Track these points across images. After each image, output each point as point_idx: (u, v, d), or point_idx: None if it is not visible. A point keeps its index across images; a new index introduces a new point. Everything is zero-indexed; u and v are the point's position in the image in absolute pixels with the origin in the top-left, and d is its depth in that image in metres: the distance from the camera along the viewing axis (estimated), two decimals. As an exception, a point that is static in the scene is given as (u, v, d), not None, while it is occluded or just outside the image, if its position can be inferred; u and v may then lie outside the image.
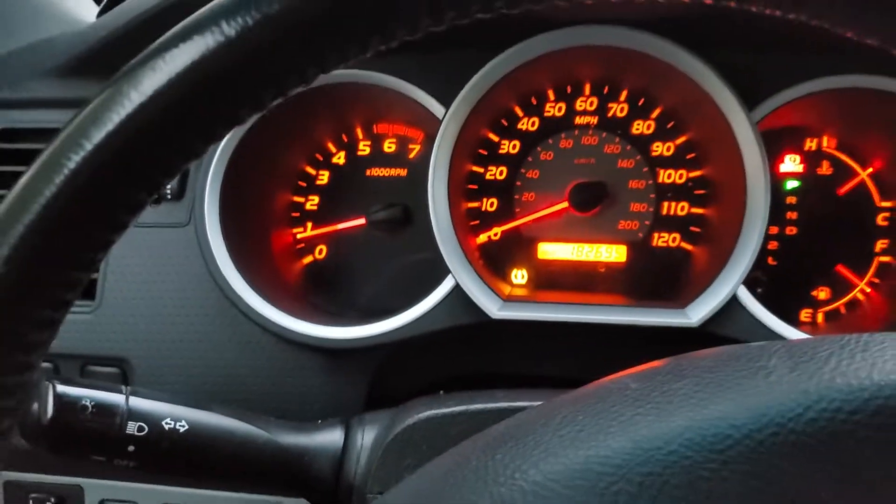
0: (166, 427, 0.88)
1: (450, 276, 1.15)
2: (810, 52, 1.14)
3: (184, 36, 0.44)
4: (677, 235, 1.30)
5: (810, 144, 1.31)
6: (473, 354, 1.26)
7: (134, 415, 0.87)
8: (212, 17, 0.44)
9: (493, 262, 1.34)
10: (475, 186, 1.34)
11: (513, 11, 0.45)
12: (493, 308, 1.14)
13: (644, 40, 1.14)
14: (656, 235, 1.31)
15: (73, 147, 0.43)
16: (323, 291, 1.35)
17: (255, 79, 0.44)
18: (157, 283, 1.20)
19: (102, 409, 0.86)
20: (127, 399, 0.88)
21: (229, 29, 0.43)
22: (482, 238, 1.35)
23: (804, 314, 1.30)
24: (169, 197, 1.22)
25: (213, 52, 0.43)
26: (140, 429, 0.87)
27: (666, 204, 1.31)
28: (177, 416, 0.90)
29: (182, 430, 0.89)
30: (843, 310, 1.30)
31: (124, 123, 0.43)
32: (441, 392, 1.00)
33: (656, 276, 1.30)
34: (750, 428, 0.49)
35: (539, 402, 0.89)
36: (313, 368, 1.17)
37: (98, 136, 0.43)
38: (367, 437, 0.94)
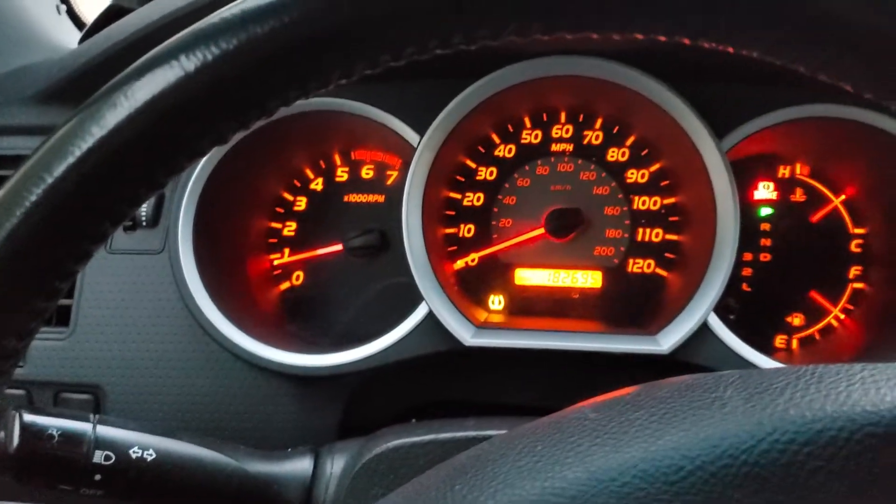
0: (133, 456, 0.88)
1: (423, 303, 1.15)
2: (780, 83, 1.15)
3: (144, 69, 0.44)
4: (652, 261, 1.31)
5: (783, 172, 1.32)
6: (448, 381, 1.25)
7: (101, 443, 0.86)
8: (172, 51, 0.44)
9: (470, 288, 1.34)
10: (452, 212, 1.35)
11: (470, 47, 0.45)
12: (466, 335, 1.14)
13: (616, 71, 1.16)
14: (631, 261, 1.32)
15: (34, 179, 0.43)
16: (299, 318, 1.34)
17: (215, 112, 0.44)
18: (131, 310, 1.19)
19: (69, 437, 0.85)
20: (94, 428, 0.87)
21: (188, 63, 0.43)
22: (459, 264, 1.35)
23: (779, 340, 1.31)
24: (144, 224, 1.22)
25: (172, 86, 0.43)
26: (107, 458, 0.86)
27: (641, 230, 1.32)
28: (144, 444, 0.89)
29: (150, 458, 0.88)
30: (817, 336, 1.31)
31: (85, 156, 0.43)
32: (413, 420, 1.00)
33: (631, 303, 1.31)
34: (703, 459, 0.49)
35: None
36: (286, 396, 1.17)
37: (60, 167, 0.43)
38: (336, 465, 0.94)
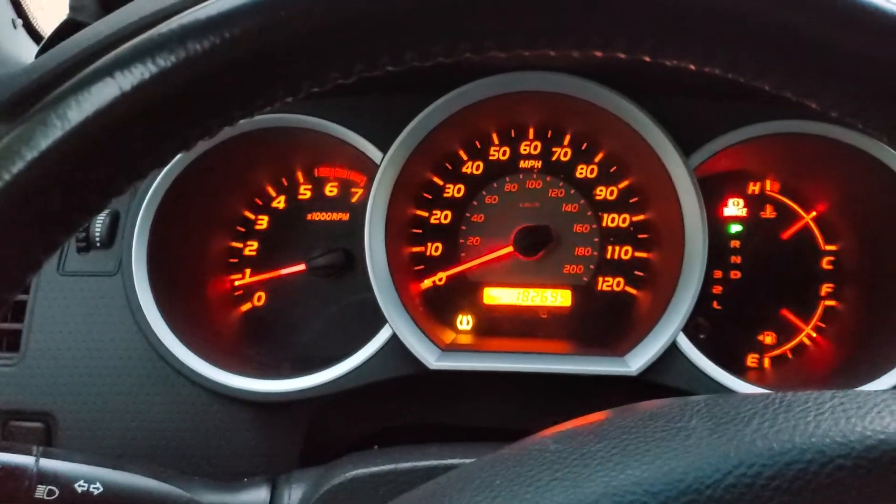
0: (79, 490, 0.83)
1: (387, 325, 1.11)
2: (748, 98, 1.14)
3: (79, 88, 0.42)
4: (622, 280, 1.29)
5: (753, 188, 1.31)
6: (415, 404, 1.22)
7: (44, 478, 0.82)
8: (106, 69, 0.42)
9: (438, 309, 1.31)
10: (419, 231, 1.32)
11: (425, 64, 0.43)
12: (431, 358, 1.10)
13: (584, 87, 1.14)
14: (601, 279, 1.30)
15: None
16: (259, 341, 1.30)
17: (151, 132, 0.42)
18: (84, 335, 1.15)
19: (10, 472, 0.81)
20: (37, 461, 0.83)
21: (124, 82, 0.40)
22: (426, 283, 1.32)
23: (750, 359, 1.29)
24: (98, 244, 1.17)
25: (107, 105, 0.41)
26: (50, 493, 0.82)
27: (610, 248, 1.30)
28: (91, 477, 0.85)
29: (96, 492, 0.84)
30: (789, 355, 1.29)
31: (22, 172, 0.40)
32: (375, 447, 0.96)
33: (601, 322, 1.28)
34: (666, 495, 0.47)
35: (471, 459, 0.86)
36: (245, 423, 1.13)
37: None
38: (294, 496, 0.90)
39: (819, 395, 0.56)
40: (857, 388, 1.04)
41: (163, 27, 0.42)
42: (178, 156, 1.15)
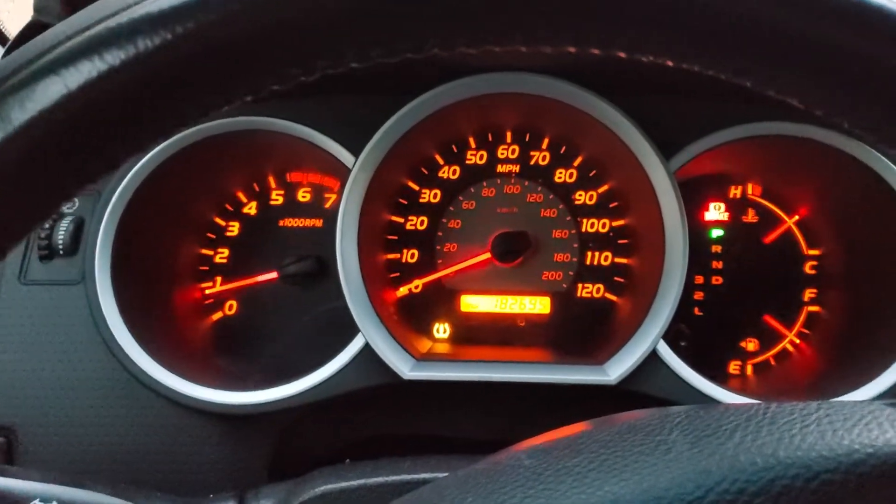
0: (34, 509, 0.80)
1: (360, 334, 1.08)
2: (730, 100, 1.12)
3: (22, 87, 0.39)
4: (601, 286, 1.26)
5: (735, 192, 1.29)
6: (390, 415, 1.19)
7: (-3, 496, 0.78)
8: (49, 67, 0.39)
9: (414, 316, 1.28)
10: (395, 237, 1.29)
11: (391, 60, 0.41)
12: (405, 368, 1.07)
13: (561, 88, 1.11)
14: (580, 286, 1.27)
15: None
16: (229, 351, 1.26)
17: (98, 135, 0.40)
18: (47, 346, 1.11)
19: (-41, 491, 0.77)
20: (-11, 479, 0.79)
21: (70, 80, 0.38)
22: (402, 291, 1.29)
23: (733, 366, 1.27)
24: (61, 252, 1.13)
25: (53, 106, 0.38)
26: (3, 512, 0.78)
27: (590, 254, 1.27)
28: (48, 495, 0.81)
29: (52, 511, 0.80)
30: (772, 361, 1.27)
31: None
32: (347, 460, 0.93)
33: (580, 329, 1.26)
34: (646, 514, 0.44)
35: (444, 473, 0.83)
36: (212, 436, 1.09)
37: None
38: (261, 513, 0.87)
39: (804, 406, 0.54)
40: (844, 398, 1.02)
41: (111, 22, 0.40)
42: (144, 159, 1.12)
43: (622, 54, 0.42)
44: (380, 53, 0.41)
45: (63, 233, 1.13)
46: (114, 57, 0.38)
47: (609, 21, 0.40)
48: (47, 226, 1.13)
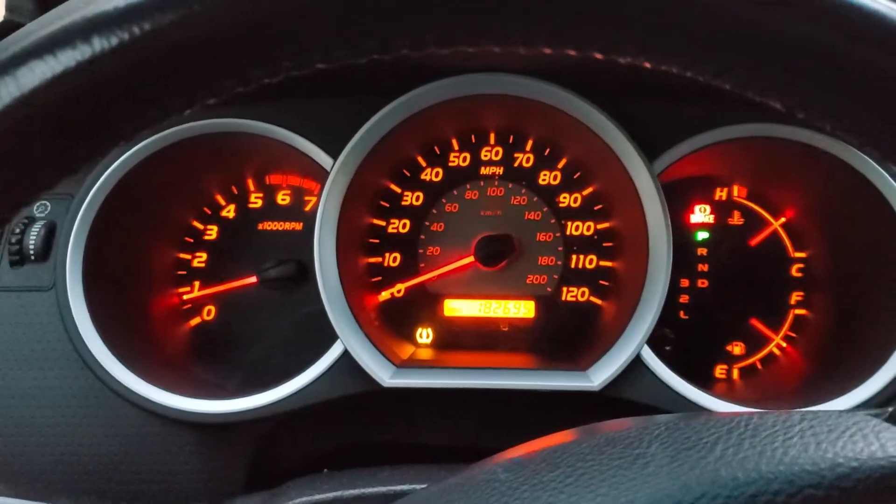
0: (-3, 524, 0.77)
1: (338, 341, 1.06)
2: (714, 102, 1.10)
3: None
4: (586, 290, 1.24)
5: (720, 194, 1.27)
6: (370, 422, 1.16)
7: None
8: (4, 67, 0.38)
9: (396, 322, 1.26)
10: (376, 240, 1.27)
11: (358, 61, 0.40)
12: (385, 376, 1.05)
13: (544, 90, 1.09)
14: (565, 290, 1.25)
15: None
16: (208, 357, 1.24)
17: (53, 138, 0.39)
18: (17, 354, 1.08)
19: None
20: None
21: (24, 81, 0.37)
22: (384, 295, 1.27)
23: (719, 370, 1.25)
24: (32, 258, 1.10)
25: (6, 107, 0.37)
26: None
27: (574, 257, 1.25)
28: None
29: (16, 526, 0.78)
30: (759, 365, 1.25)
31: None
32: (325, 470, 0.91)
33: (564, 334, 1.24)
34: (622, 534, 0.42)
35: (423, 484, 0.81)
36: (187, 445, 1.07)
37: None
38: (234, 525, 0.84)
39: (787, 417, 0.52)
40: (831, 403, 1.00)
41: (67, 21, 0.38)
42: (118, 162, 1.09)
43: (599, 55, 0.41)
44: (345, 54, 0.40)
45: (34, 238, 1.10)
46: (68, 58, 0.37)
47: (584, 21, 0.39)
48: (18, 231, 1.10)
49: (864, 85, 0.40)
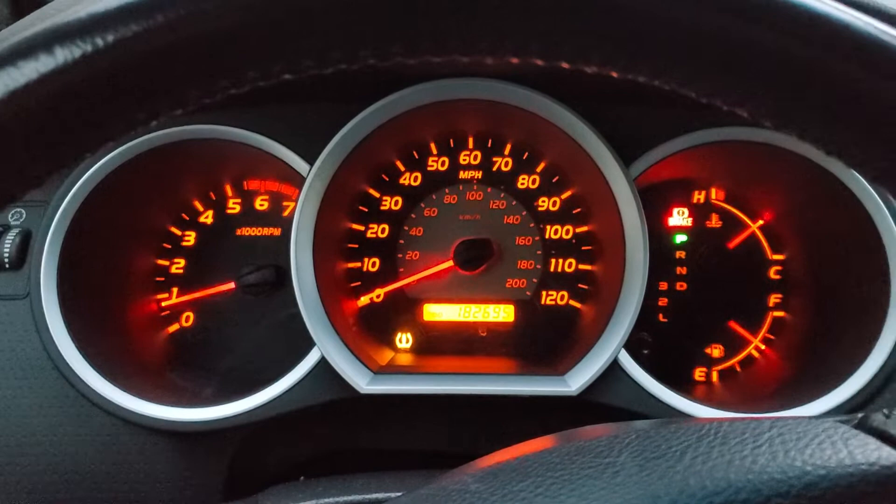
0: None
1: (315, 347, 1.05)
2: (690, 106, 1.10)
3: None
4: (566, 293, 1.25)
5: (698, 197, 1.28)
6: (349, 429, 1.16)
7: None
8: None
9: (376, 326, 1.26)
10: (355, 245, 1.26)
11: (323, 71, 0.40)
12: (362, 382, 1.04)
13: (521, 95, 1.09)
14: (545, 293, 1.25)
15: None
16: (186, 364, 1.23)
17: (18, 147, 0.38)
18: (-9, 361, 1.07)
19: None
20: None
21: None
22: (363, 300, 1.26)
23: (698, 373, 1.25)
24: (7, 265, 1.09)
25: None
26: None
27: (554, 261, 1.25)
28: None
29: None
30: (737, 368, 1.25)
31: None
32: (301, 478, 0.90)
33: (544, 338, 1.24)
34: (590, 546, 0.42)
35: (398, 492, 0.81)
36: (163, 453, 1.06)
37: None
38: (210, 534, 0.84)
39: (757, 424, 0.53)
40: (809, 406, 1.01)
41: (34, 30, 0.38)
42: (93, 169, 1.08)
43: (566, 65, 0.40)
44: (311, 65, 0.40)
45: (9, 246, 1.09)
46: (30, 68, 0.36)
47: (550, 32, 0.39)
48: (-7, 239, 1.09)
49: (828, 94, 0.40)
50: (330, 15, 0.38)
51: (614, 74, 0.39)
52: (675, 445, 0.51)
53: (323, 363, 1.05)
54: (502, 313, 1.26)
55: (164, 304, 1.27)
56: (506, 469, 0.53)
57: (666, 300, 1.25)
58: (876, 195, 1.03)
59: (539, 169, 1.26)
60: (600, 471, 0.50)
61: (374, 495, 0.79)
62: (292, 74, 0.40)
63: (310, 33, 0.38)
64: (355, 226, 1.26)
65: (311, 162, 1.09)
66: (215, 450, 1.07)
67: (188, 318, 1.27)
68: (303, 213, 1.08)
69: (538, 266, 1.26)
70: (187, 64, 0.38)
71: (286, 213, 1.28)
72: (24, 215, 1.12)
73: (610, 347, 1.03)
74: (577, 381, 1.03)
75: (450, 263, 1.25)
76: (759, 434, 0.50)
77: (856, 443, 0.48)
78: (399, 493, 0.77)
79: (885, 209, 1.03)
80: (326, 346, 1.04)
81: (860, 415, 0.51)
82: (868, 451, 0.46)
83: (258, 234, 1.27)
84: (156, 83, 0.38)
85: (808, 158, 1.09)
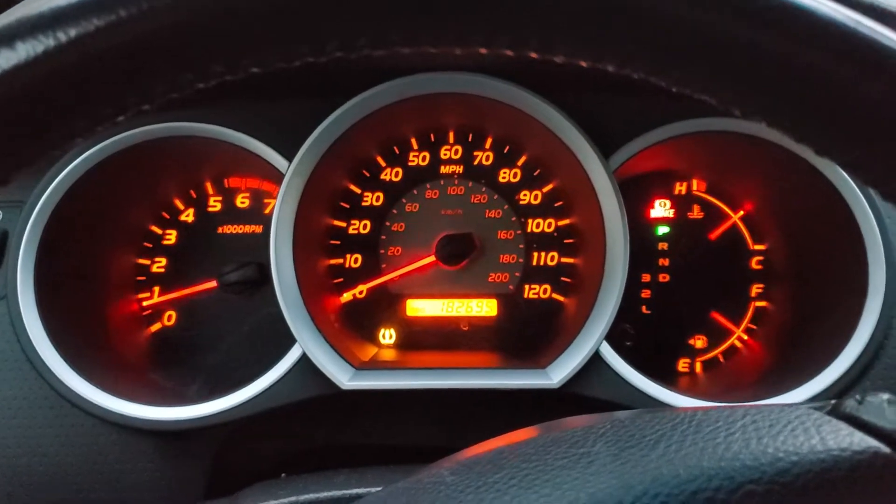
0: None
1: (296, 344, 1.05)
2: (670, 96, 1.10)
3: None
4: (548, 287, 1.25)
5: (680, 188, 1.28)
6: (332, 425, 1.16)
7: None
8: None
9: (359, 323, 1.26)
10: (337, 242, 1.26)
11: (289, 65, 0.40)
12: (344, 378, 1.04)
13: (500, 88, 1.08)
14: (527, 287, 1.25)
15: None
16: (169, 364, 1.22)
17: None
18: (-31, 363, 1.06)
19: None
20: None
21: None
22: (346, 297, 1.26)
23: (681, 364, 1.26)
24: (-16, 266, 1.08)
25: None
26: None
27: (536, 254, 1.25)
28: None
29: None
30: (721, 358, 1.26)
31: None
32: (283, 475, 0.90)
33: (527, 332, 1.24)
34: (563, 533, 0.42)
35: (379, 487, 0.81)
36: (145, 453, 1.05)
37: None
38: (190, 534, 0.83)
39: (731, 412, 0.53)
40: (790, 395, 1.01)
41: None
42: (69, 167, 1.07)
43: (534, 55, 0.40)
44: (279, 58, 0.39)
45: (-15, 245, 1.08)
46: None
47: (514, 22, 0.38)
48: (-31, 240, 1.08)
49: (789, 81, 0.40)
50: (296, 8, 0.38)
51: (583, 64, 0.39)
52: (649, 434, 0.51)
53: (304, 360, 1.04)
54: (485, 307, 1.25)
55: (145, 303, 1.26)
56: (481, 461, 0.53)
57: (648, 292, 1.25)
58: (853, 183, 1.04)
59: (520, 163, 1.26)
60: (574, 461, 0.50)
61: (355, 490, 0.79)
62: (260, 69, 0.40)
63: (276, 27, 0.38)
64: (337, 222, 1.26)
65: (289, 158, 1.08)
66: (197, 449, 1.07)
67: (170, 318, 1.26)
68: (282, 209, 1.07)
69: (520, 260, 1.26)
70: (151, 58, 0.37)
71: (267, 211, 1.27)
72: (1, 215, 1.11)
73: (591, 340, 1.03)
74: (558, 373, 1.03)
75: (432, 259, 1.25)
76: (732, 422, 0.50)
77: (828, 429, 0.48)
78: (379, 489, 0.77)
79: (861, 197, 1.03)
80: (307, 343, 1.04)
81: (833, 401, 0.51)
82: (840, 437, 0.47)
83: (240, 231, 1.27)
84: (120, 77, 0.38)
85: (788, 148, 1.09)
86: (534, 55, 0.40)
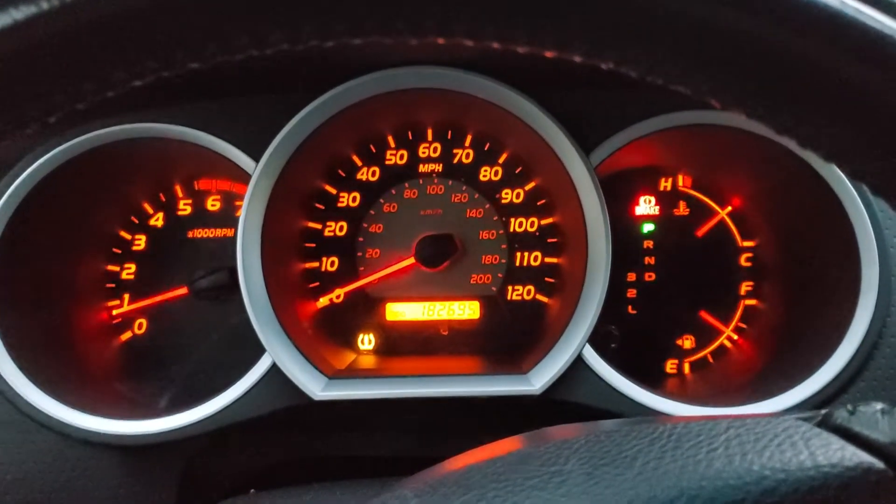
0: None
1: (266, 353, 1.00)
2: (652, 91, 1.06)
3: None
4: (532, 287, 1.21)
5: (665, 184, 1.24)
6: (305, 436, 1.11)
7: None
8: None
9: (337, 328, 1.21)
10: (313, 244, 1.22)
11: (231, 58, 0.37)
12: (316, 388, 1.00)
13: (479, 84, 1.04)
14: (510, 288, 1.21)
15: None
16: (139, 374, 1.17)
17: None
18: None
19: None
20: None
21: None
22: (323, 301, 1.22)
23: (670, 365, 1.22)
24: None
25: None
26: None
27: (519, 254, 1.21)
28: None
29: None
30: (710, 359, 1.22)
31: None
32: (252, 490, 0.86)
33: (510, 335, 1.20)
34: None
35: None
36: (110, 468, 1.01)
37: None
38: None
39: (713, 425, 0.49)
40: (781, 398, 0.97)
41: None
42: (28, 171, 1.03)
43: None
44: (217, 51, 0.36)
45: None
46: None
47: (498, 13, 0.36)
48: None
49: (770, 72, 0.37)
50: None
51: (548, 55, 0.36)
52: (625, 450, 0.47)
53: (274, 370, 1.00)
54: (468, 310, 1.22)
55: (115, 311, 1.22)
56: (447, 482, 0.50)
57: (634, 291, 1.21)
58: (843, 177, 1.00)
59: (501, 160, 1.22)
60: (546, 480, 0.46)
61: (322, 509, 0.75)
62: (200, 64, 0.37)
63: (208, 18, 0.35)
64: (312, 224, 1.22)
65: (256, 158, 1.04)
66: (165, 463, 1.02)
67: (141, 326, 1.22)
68: (249, 213, 1.03)
69: (503, 260, 1.22)
70: (107, 44, 0.35)
71: (238, 213, 1.22)
72: None
73: (574, 343, 0.99)
74: (540, 379, 0.99)
75: (412, 261, 1.21)
76: (714, 436, 0.46)
77: (817, 442, 0.44)
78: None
79: (852, 191, 0.99)
80: (277, 352, 1.00)
81: (823, 412, 0.48)
82: (830, 452, 0.43)
83: (211, 235, 1.23)
84: (43, 76, 0.36)
85: (774, 141, 1.05)
86: (495, 45, 0.37)
